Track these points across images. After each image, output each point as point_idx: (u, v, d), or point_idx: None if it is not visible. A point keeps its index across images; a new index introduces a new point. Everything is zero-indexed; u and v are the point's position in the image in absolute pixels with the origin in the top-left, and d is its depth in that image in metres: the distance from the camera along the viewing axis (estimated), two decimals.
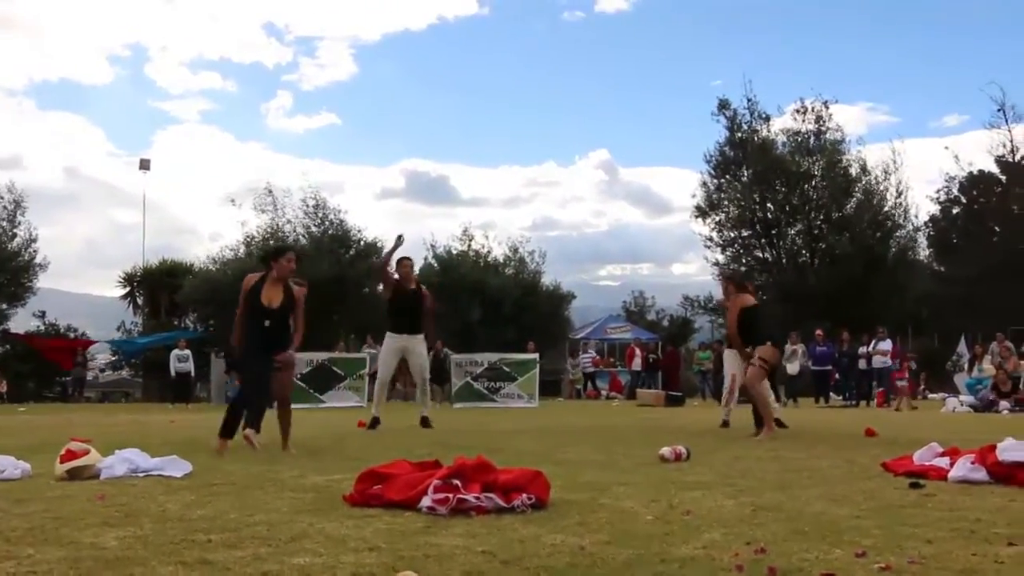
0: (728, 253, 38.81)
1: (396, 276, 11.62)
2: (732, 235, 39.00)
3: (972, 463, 5.34)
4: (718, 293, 39.68)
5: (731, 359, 11.59)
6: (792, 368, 23.02)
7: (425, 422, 11.41)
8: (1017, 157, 40.64)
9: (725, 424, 11.29)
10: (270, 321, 7.61)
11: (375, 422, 11.24)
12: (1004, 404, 18.40)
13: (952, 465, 5.46)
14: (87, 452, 5.68)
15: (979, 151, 56.62)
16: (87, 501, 4.56)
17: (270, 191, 34.47)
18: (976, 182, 41.72)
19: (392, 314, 11.62)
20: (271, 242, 33.58)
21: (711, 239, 38.94)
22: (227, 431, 7.55)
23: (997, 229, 40.75)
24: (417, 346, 11.59)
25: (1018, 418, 15.38)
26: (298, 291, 8.10)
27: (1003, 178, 41.13)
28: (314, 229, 34.65)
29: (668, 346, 32.95)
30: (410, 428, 11.25)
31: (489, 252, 36.60)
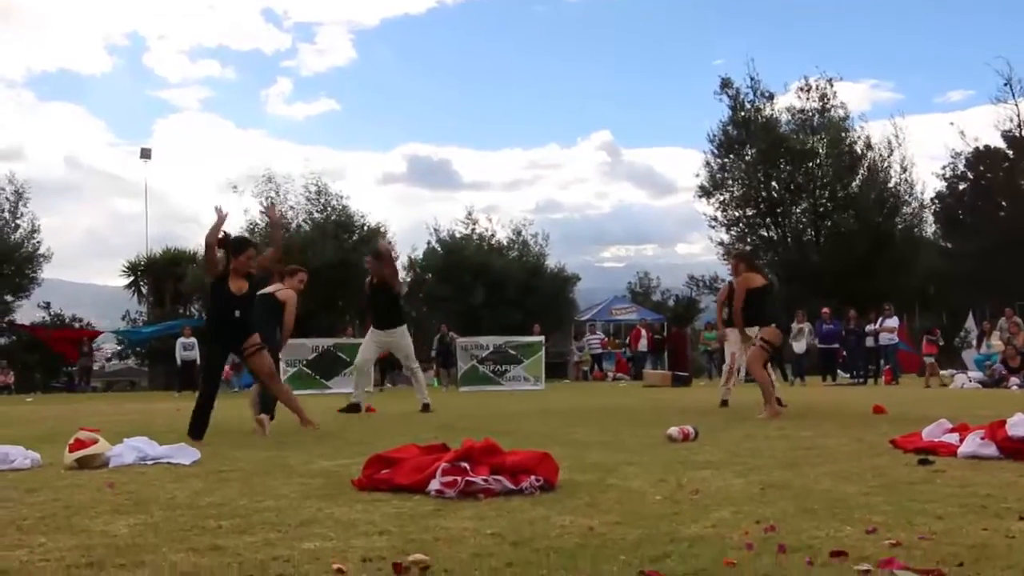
0: (733, 232, 38.79)
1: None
2: (737, 214, 38.93)
3: (982, 439, 5.35)
4: (723, 273, 39.72)
5: (732, 338, 11.59)
6: (799, 347, 23.02)
7: (426, 408, 11.43)
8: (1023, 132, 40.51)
9: (724, 404, 11.27)
10: (240, 311, 7.66)
11: (353, 408, 11.12)
12: (1014, 380, 18.39)
13: (962, 441, 5.47)
14: (96, 441, 5.70)
15: (985, 126, 56.61)
16: (97, 489, 4.58)
17: (270, 178, 34.37)
18: (983, 157, 41.60)
19: (366, 309, 11.68)
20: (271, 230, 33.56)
21: (715, 219, 38.91)
22: (196, 432, 7.52)
23: (1004, 204, 40.65)
24: (398, 339, 11.61)
25: None
26: (284, 293, 8.25)
27: (1010, 153, 40.99)
28: (316, 215, 34.60)
29: (674, 327, 32.93)
30: (417, 413, 11.29)
31: (493, 235, 36.64)
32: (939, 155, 79.52)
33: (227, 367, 24.64)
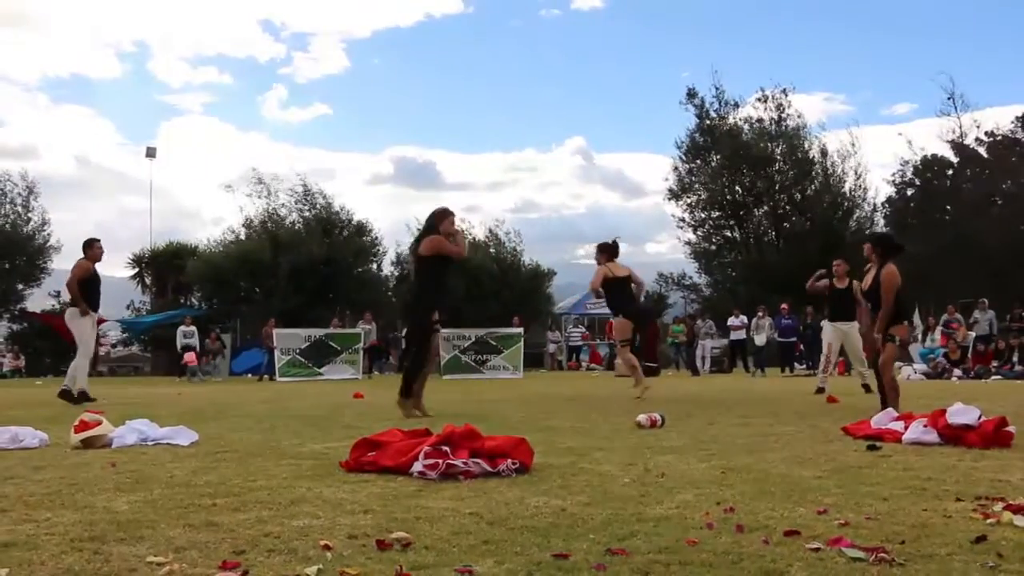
0: (699, 233, 38.83)
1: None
2: (702, 216, 38.95)
3: (924, 426, 5.40)
4: (691, 271, 39.92)
5: (828, 331, 12.11)
6: (759, 339, 23.12)
7: (64, 395, 11.21)
8: (966, 142, 40.77)
9: (820, 391, 11.35)
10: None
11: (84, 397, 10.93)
12: (955, 371, 18.56)
13: (906, 428, 5.51)
14: (100, 423, 5.66)
15: (929, 137, 56.75)
16: (100, 468, 4.55)
17: (259, 179, 34.27)
18: (929, 165, 41.77)
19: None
20: (268, 225, 33.41)
21: (683, 220, 38.92)
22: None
23: (948, 208, 40.85)
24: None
25: (967, 384, 15.50)
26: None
27: (955, 161, 41.22)
28: (307, 213, 34.47)
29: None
30: None
31: (473, 234, 36.52)
32: (887, 163, 79.89)
33: (191, 354, 24.44)
